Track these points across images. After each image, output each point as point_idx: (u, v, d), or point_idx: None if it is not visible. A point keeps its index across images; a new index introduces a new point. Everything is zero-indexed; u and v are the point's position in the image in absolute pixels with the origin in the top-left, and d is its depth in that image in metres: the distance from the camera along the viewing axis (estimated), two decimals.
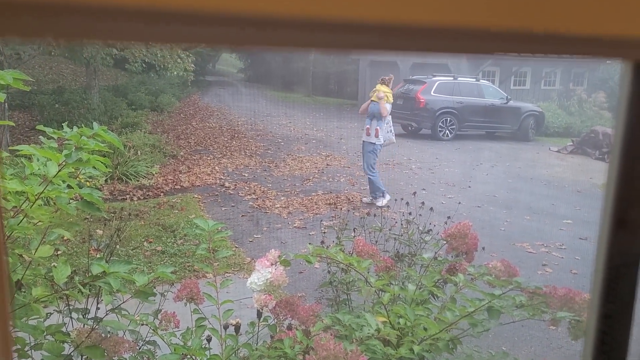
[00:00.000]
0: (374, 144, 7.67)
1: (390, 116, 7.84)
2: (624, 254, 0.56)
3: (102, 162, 1.77)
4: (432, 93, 15.08)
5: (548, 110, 16.93)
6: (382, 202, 7.69)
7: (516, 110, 15.74)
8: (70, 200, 1.75)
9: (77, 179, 1.86)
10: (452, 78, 15.75)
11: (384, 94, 7.58)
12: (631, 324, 0.58)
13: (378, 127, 7.62)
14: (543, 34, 0.33)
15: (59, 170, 1.55)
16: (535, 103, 17.16)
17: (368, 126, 7.72)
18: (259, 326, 2.03)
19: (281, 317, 1.92)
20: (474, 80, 16.17)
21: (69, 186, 1.68)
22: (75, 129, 1.74)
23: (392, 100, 7.72)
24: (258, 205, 7.94)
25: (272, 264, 1.79)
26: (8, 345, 0.31)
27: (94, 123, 1.69)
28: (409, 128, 15.76)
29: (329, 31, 0.30)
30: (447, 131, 15.01)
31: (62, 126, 1.66)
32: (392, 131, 7.93)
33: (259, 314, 2.01)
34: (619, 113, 0.51)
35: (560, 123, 16.99)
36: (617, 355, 0.58)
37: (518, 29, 0.32)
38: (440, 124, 14.93)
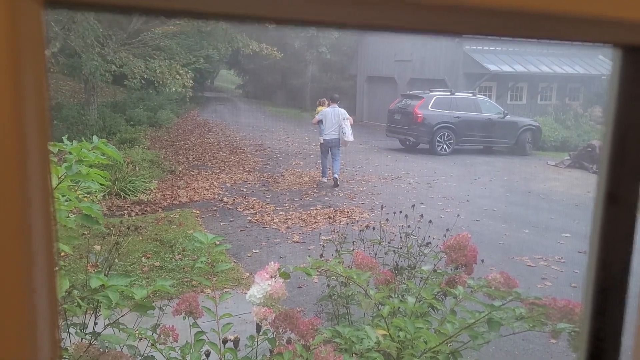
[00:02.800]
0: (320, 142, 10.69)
1: (349, 120, 10.51)
2: (614, 261, 0.56)
3: (101, 176, 1.78)
4: (429, 108, 15.15)
5: (545, 125, 17.00)
6: (323, 179, 10.48)
7: (513, 125, 15.80)
8: (69, 214, 1.75)
9: (76, 193, 1.86)
10: (449, 93, 15.83)
11: (317, 112, 11.01)
12: (622, 329, 0.58)
13: (320, 131, 10.70)
14: (537, 13, 0.34)
15: (59, 183, 1.55)
16: (532, 118, 17.24)
17: None
18: (258, 340, 2.02)
19: (280, 331, 1.91)
20: (471, 95, 16.25)
21: (67, 199, 1.69)
22: (75, 143, 1.75)
23: (318, 116, 10.73)
24: (257, 220, 7.93)
25: (271, 277, 1.79)
26: (56, 342, 0.32)
27: (94, 136, 1.70)
28: (407, 142, 15.80)
29: None
30: (445, 146, 15.06)
31: (62, 139, 1.66)
32: (346, 133, 10.32)
33: (258, 328, 1.99)
34: (609, 101, 0.51)
35: (557, 137, 17.05)
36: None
37: (513, 7, 0.33)
38: (438, 138, 14.98)
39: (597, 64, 19.87)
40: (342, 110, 10.47)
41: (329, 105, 10.70)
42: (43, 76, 0.30)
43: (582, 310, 0.60)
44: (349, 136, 10.35)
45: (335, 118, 10.33)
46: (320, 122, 10.56)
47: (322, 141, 10.52)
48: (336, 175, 10.28)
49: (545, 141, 16.62)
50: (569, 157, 13.92)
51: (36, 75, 0.29)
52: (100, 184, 1.88)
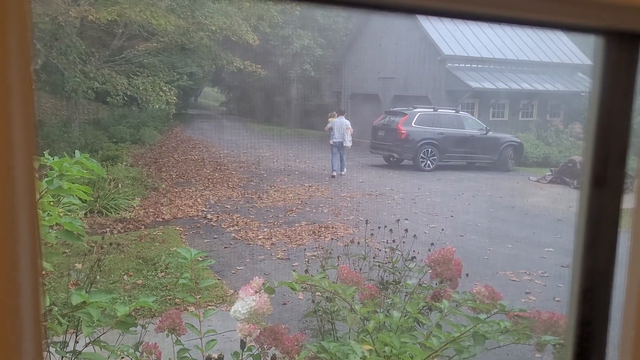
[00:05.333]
0: (330, 144, 13.90)
1: (350, 130, 13.83)
2: (598, 268, 0.56)
3: (83, 191, 1.75)
4: (413, 124, 15.27)
5: (526, 141, 17.22)
6: (333, 173, 13.47)
7: (495, 141, 15.98)
8: (50, 230, 1.73)
9: (57, 209, 1.83)
10: (432, 110, 15.98)
11: (329, 122, 14.44)
12: (607, 340, 0.58)
13: (330, 136, 13.94)
14: None
15: (40, 198, 1.53)
16: (514, 134, 17.46)
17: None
18: (242, 356, 1.99)
19: (265, 347, 1.88)
20: (454, 111, 16.42)
21: (49, 215, 1.66)
22: (56, 158, 1.73)
23: (329, 124, 14.27)
24: (241, 236, 7.88)
25: (256, 292, 1.77)
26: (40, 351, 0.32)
27: (76, 151, 1.68)
28: (391, 159, 15.89)
29: None
30: (429, 162, 15.16)
31: (44, 154, 1.64)
32: (346, 140, 13.65)
33: (243, 344, 1.97)
34: (593, 89, 0.52)
35: (538, 153, 17.27)
36: None
37: None
38: (421, 154, 15.09)
39: (577, 82, 20.24)
40: (347, 121, 13.95)
41: (338, 116, 14.07)
42: (30, 87, 0.30)
43: (567, 318, 0.60)
44: (348, 142, 13.77)
45: (341, 126, 13.74)
46: (330, 129, 13.99)
47: (331, 143, 13.79)
48: (342, 172, 13.79)
49: (527, 157, 16.83)
50: (550, 173, 14.10)
51: (24, 87, 0.29)
52: (82, 201, 1.86)
